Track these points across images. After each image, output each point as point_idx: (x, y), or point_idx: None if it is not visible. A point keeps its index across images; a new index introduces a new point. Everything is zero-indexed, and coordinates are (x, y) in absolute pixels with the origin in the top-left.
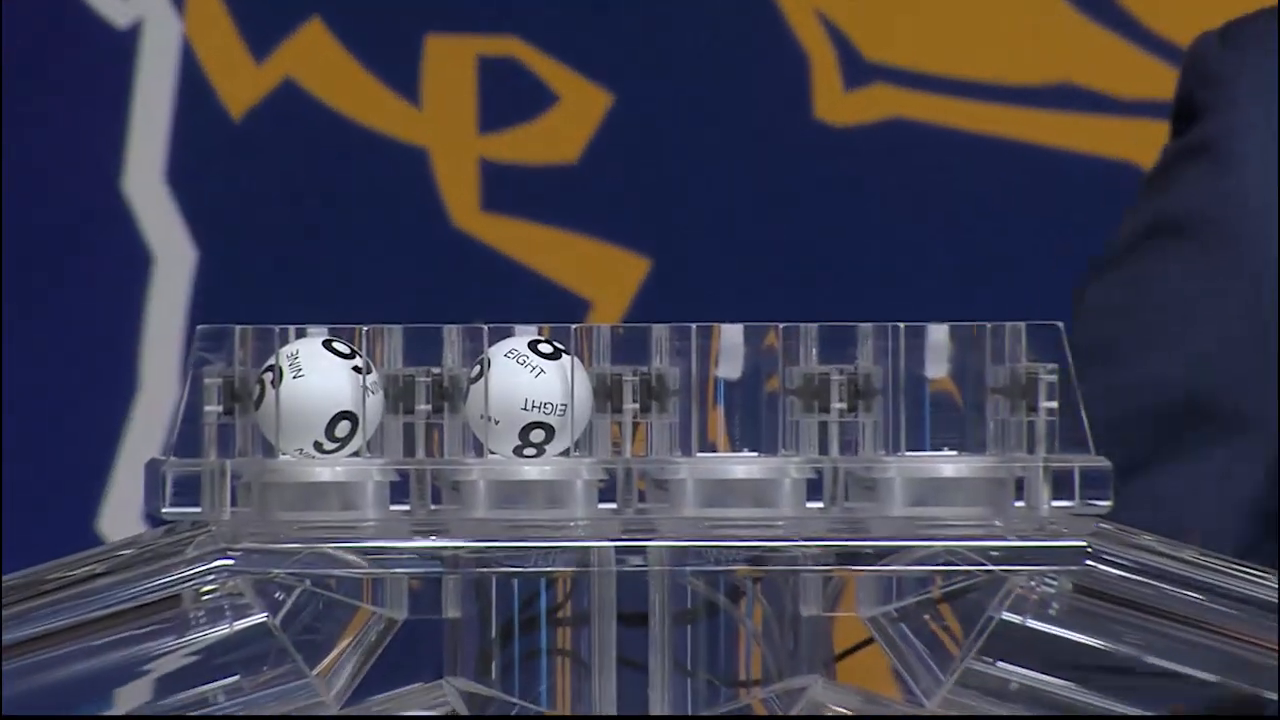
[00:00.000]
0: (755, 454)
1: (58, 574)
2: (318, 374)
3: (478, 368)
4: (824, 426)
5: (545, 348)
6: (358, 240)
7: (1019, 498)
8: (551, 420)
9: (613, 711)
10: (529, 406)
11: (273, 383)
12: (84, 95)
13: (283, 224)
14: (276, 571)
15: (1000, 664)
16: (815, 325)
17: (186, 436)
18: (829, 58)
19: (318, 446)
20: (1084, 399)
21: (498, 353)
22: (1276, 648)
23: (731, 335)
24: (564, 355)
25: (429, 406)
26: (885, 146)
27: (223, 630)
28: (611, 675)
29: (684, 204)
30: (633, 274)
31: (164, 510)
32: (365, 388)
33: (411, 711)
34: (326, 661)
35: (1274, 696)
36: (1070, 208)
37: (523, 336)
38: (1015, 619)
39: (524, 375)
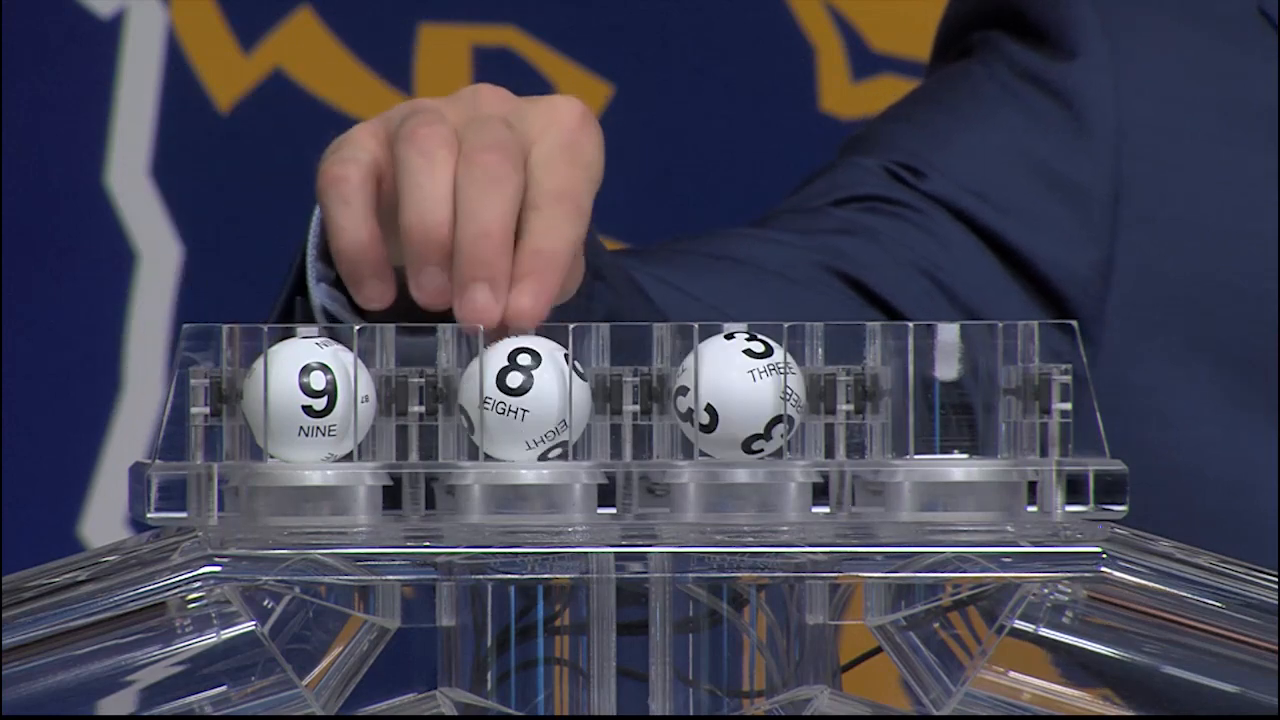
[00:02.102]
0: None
1: (38, 581)
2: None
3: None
4: (830, 429)
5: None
6: None
7: (1031, 502)
8: None
9: None
10: None
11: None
12: (66, 87)
13: (271, 220)
14: (265, 579)
15: (1012, 674)
16: (821, 324)
17: (172, 439)
18: (836, 48)
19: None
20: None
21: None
22: (1276, 649)
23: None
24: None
25: (422, 408)
26: None
27: (209, 639)
28: (611, 685)
29: (687, 200)
30: None
31: (149, 515)
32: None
33: None
34: (317, 671)
35: None
36: None
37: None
38: (1028, 627)
39: None
